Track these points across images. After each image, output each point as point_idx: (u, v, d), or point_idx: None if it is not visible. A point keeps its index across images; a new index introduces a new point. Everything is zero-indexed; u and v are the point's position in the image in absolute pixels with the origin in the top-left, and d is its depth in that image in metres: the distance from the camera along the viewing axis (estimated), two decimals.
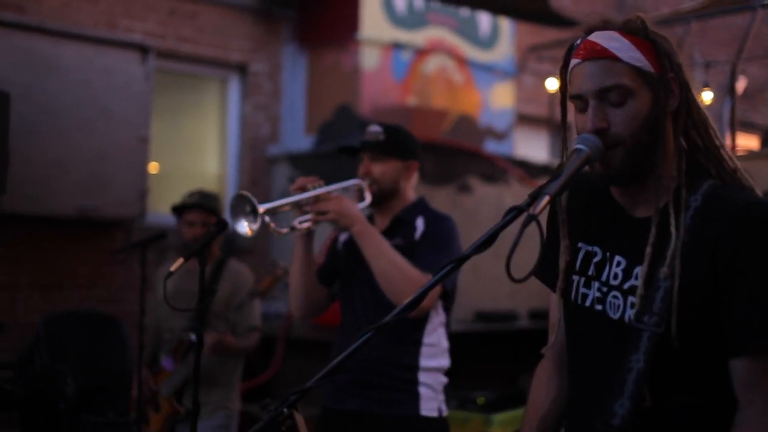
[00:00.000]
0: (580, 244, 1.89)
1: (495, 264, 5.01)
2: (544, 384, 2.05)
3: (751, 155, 6.45)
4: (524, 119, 8.79)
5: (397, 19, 7.20)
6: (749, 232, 1.65)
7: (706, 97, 6.86)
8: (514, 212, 1.58)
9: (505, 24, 7.98)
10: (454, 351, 3.20)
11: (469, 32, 7.73)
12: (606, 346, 1.79)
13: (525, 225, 1.50)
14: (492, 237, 1.59)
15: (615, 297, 1.79)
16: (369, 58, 7.02)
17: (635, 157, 1.74)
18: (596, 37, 1.76)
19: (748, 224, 1.66)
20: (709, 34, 9.70)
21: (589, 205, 1.90)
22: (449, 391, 3.21)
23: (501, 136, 7.87)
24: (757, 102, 12.68)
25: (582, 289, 1.86)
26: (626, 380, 1.69)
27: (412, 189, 3.26)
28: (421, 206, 3.21)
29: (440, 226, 3.12)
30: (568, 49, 1.82)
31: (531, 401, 2.06)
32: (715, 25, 9.40)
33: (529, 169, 7.17)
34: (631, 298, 1.75)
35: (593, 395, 1.80)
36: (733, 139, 6.99)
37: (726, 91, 8.73)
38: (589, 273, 1.85)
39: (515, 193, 6.76)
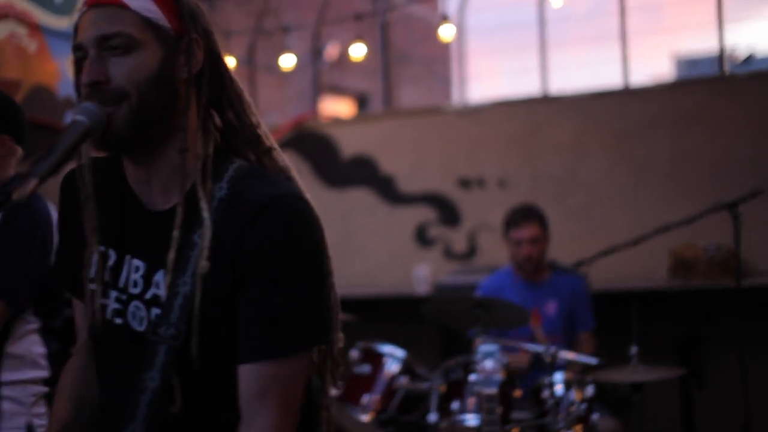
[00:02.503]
0: (95, 246, 1.60)
1: None
2: (65, 392, 1.75)
3: (338, 121, 6.68)
4: None
5: None
6: (265, 231, 1.47)
7: (289, 62, 6.96)
8: (1, 197, 1.36)
9: None
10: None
11: None
12: (131, 363, 1.54)
13: (9, 212, 1.28)
14: None
15: (137, 308, 1.55)
16: None
17: (142, 117, 1.48)
18: None
19: (265, 223, 1.47)
20: None
21: (101, 196, 1.61)
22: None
23: None
24: (348, 67, 13.22)
25: (101, 299, 1.59)
26: (140, 402, 1.47)
27: (10, 167, 2.73)
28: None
29: (18, 221, 2.60)
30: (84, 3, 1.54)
31: (55, 406, 1.75)
32: None
33: None
34: (155, 310, 1.52)
35: (113, 418, 1.55)
36: (316, 104, 7.19)
37: (313, 55, 8.97)
38: (106, 279, 1.59)
39: None
